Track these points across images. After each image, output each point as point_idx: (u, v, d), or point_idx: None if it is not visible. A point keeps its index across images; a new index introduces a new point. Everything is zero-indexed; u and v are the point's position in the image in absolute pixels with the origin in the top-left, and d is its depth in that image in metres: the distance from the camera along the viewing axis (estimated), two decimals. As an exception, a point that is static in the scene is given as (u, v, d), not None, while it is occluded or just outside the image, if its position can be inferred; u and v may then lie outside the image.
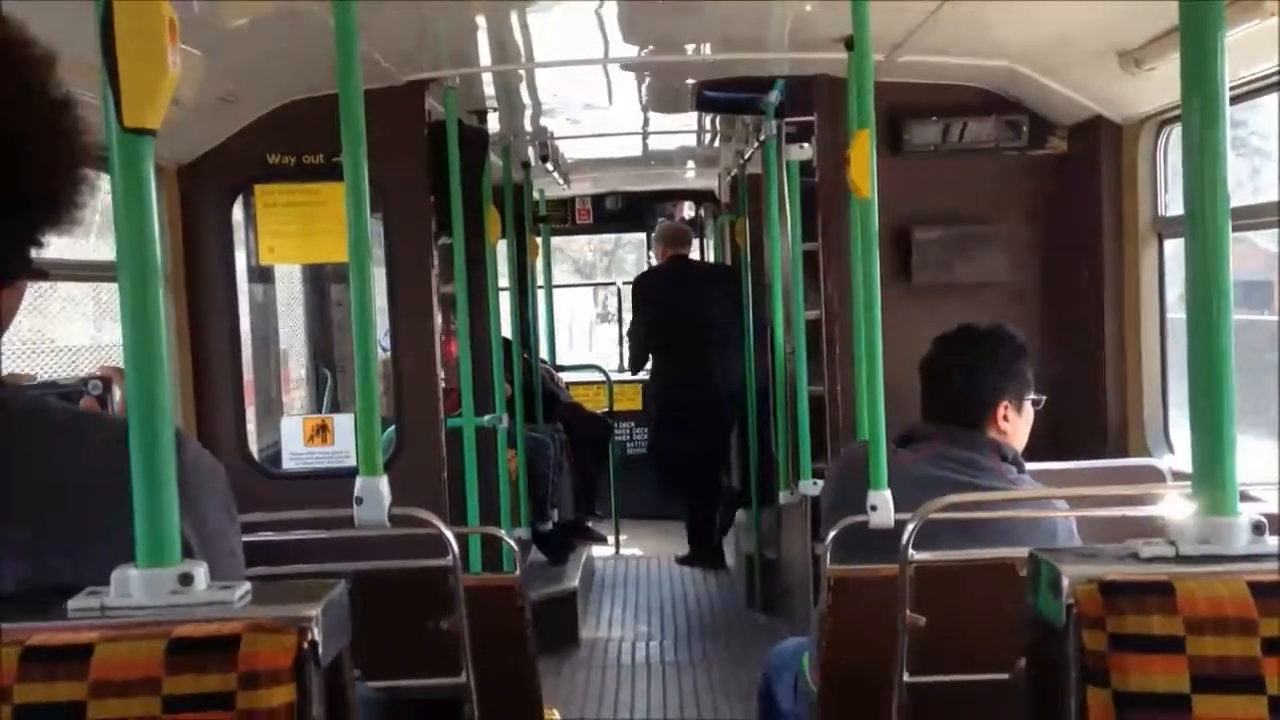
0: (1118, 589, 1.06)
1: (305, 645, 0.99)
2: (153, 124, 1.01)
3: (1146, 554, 1.12)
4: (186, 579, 1.04)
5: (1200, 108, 1.14)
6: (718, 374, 6.50)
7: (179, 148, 3.64)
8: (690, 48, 3.95)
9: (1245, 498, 1.17)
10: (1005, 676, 2.10)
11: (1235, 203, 1.24)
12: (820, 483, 3.86)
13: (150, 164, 1.03)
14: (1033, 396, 2.77)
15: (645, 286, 7.07)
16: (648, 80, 4.52)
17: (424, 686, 2.33)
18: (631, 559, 7.44)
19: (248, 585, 1.07)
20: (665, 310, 6.69)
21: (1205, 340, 1.13)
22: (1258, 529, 1.12)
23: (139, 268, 1.03)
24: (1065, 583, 1.08)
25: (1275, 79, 2.93)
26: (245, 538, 1.29)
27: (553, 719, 2.94)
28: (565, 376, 7.87)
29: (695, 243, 7.09)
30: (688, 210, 8.87)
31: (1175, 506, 2.43)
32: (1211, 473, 1.13)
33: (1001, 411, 2.69)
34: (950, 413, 2.69)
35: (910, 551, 2.18)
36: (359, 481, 2.10)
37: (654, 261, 7.48)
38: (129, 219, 1.03)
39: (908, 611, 2.18)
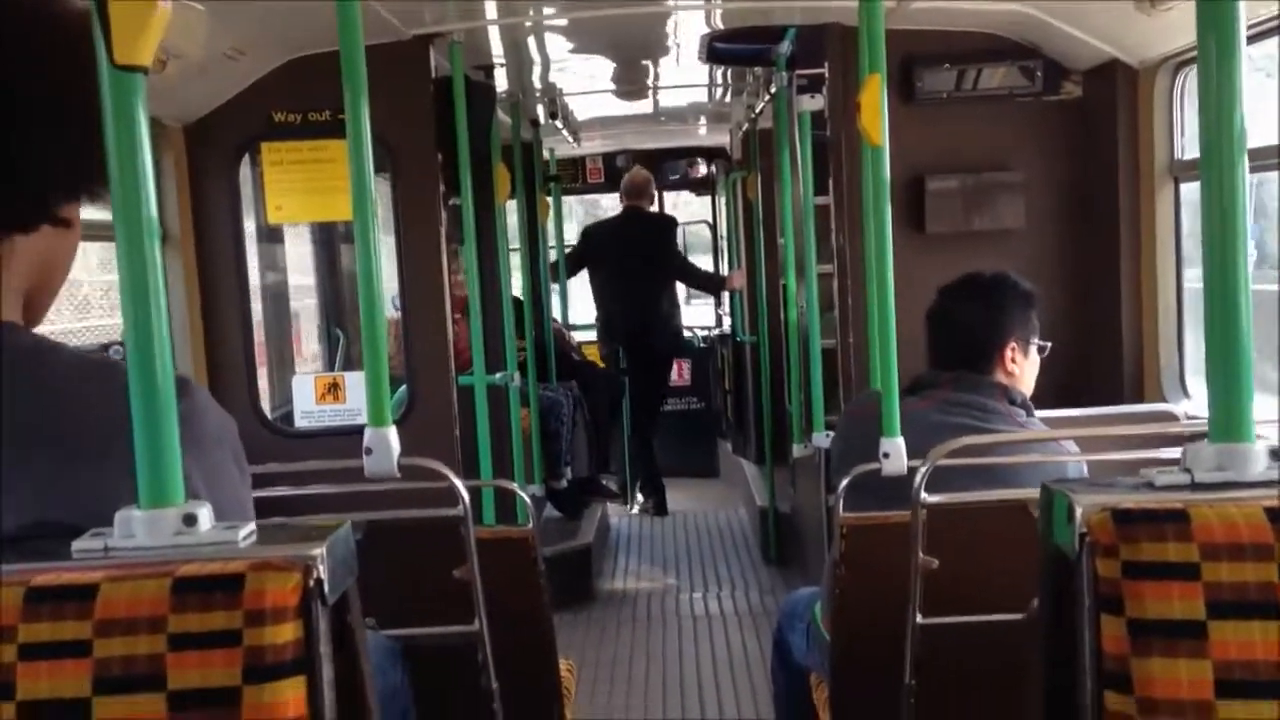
0: (1131, 516, 1.04)
1: (310, 583, 0.99)
2: (144, 60, 1.00)
3: (1161, 482, 1.11)
4: (190, 519, 1.03)
5: (1216, 46, 1.12)
6: (639, 318, 7.09)
7: (185, 107, 3.62)
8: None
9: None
10: (1019, 616, 2.10)
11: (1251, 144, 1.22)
12: (833, 435, 3.85)
13: (142, 103, 1.02)
14: (1038, 342, 2.76)
15: (591, 229, 7.63)
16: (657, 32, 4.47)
17: (438, 634, 2.34)
18: (645, 515, 7.46)
19: (252, 525, 1.06)
20: (600, 253, 7.23)
21: (1220, 270, 1.11)
22: (1275, 455, 1.11)
23: (134, 209, 1.02)
24: (1078, 512, 1.07)
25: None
26: (256, 492, 1.29)
27: (569, 669, 2.95)
28: (577, 336, 7.87)
29: (654, 195, 7.48)
30: (701, 168, 8.82)
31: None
32: (1227, 399, 1.11)
33: (1009, 354, 2.70)
34: (958, 358, 2.70)
35: (922, 494, 2.17)
36: (368, 432, 2.10)
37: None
38: (121, 160, 1.01)
39: (920, 554, 2.18)
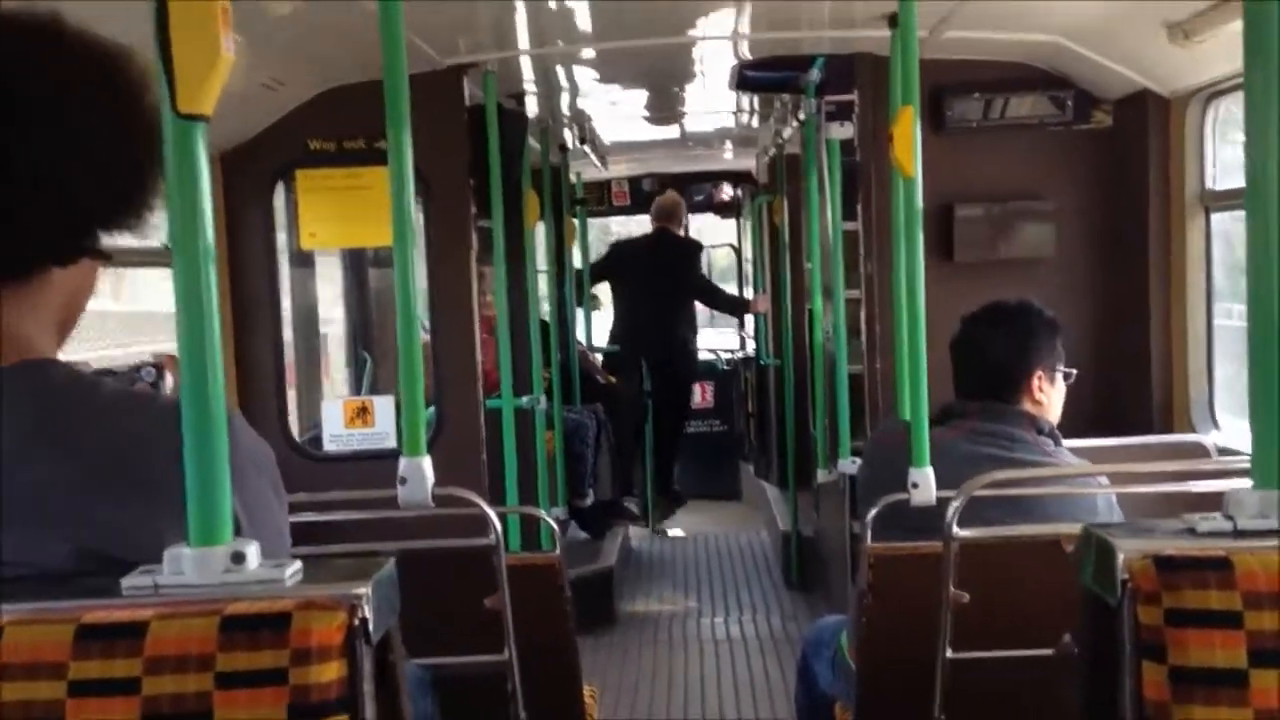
0: (1174, 564, 1.04)
1: (356, 622, 1.00)
2: (206, 109, 1.02)
3: (1203, 529, 1.11)
4: (239, 557, 1.05)
5: (1262, 77, 1.12)
6: (661, 338, 7.23)
7: (222, 134, 3.67)
8: (730, 27, 3.92)
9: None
10: (1049, 652, 2.09)
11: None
12: (859, 461, 3.85)
13: (202, 149, 1.04)
14: (1064, 369, 2.75)
15: (622, 244, 7.79)
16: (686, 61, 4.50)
17: (467, 664, 2.34)
18: (668, 538, 7.45)
19: (298, 564, 1.08)
20: (627, 269, 7.36)
21: (1265, 310, 1.11)
22: (1318, 503, 1.10)
23: (192, 251, 1.04)
24: (1120, 558, 1.06)
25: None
26: (290, 518, 1.30)
27: (592, 695, 2.95)
28: (600, 359, 7.89)
29: (683, 219, 7.64)
30: (726, 191, 8.83)
31: (1221, 484, 2.40)
32: (1272, 443, 1.11)
33: (1036, 383, 2.68)
34: (985, 387, 2.68)
35: (954, 528, 2.16)
36: (403, 462, 2.11)
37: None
38: (183, 203, 1.04)
39: (951, 587, 2.17)
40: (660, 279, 7.15)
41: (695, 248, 7.71)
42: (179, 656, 0.97)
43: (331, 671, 0.98)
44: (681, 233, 7.66)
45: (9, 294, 1.13)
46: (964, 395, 2.73)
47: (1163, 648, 1.03)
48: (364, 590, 1.02)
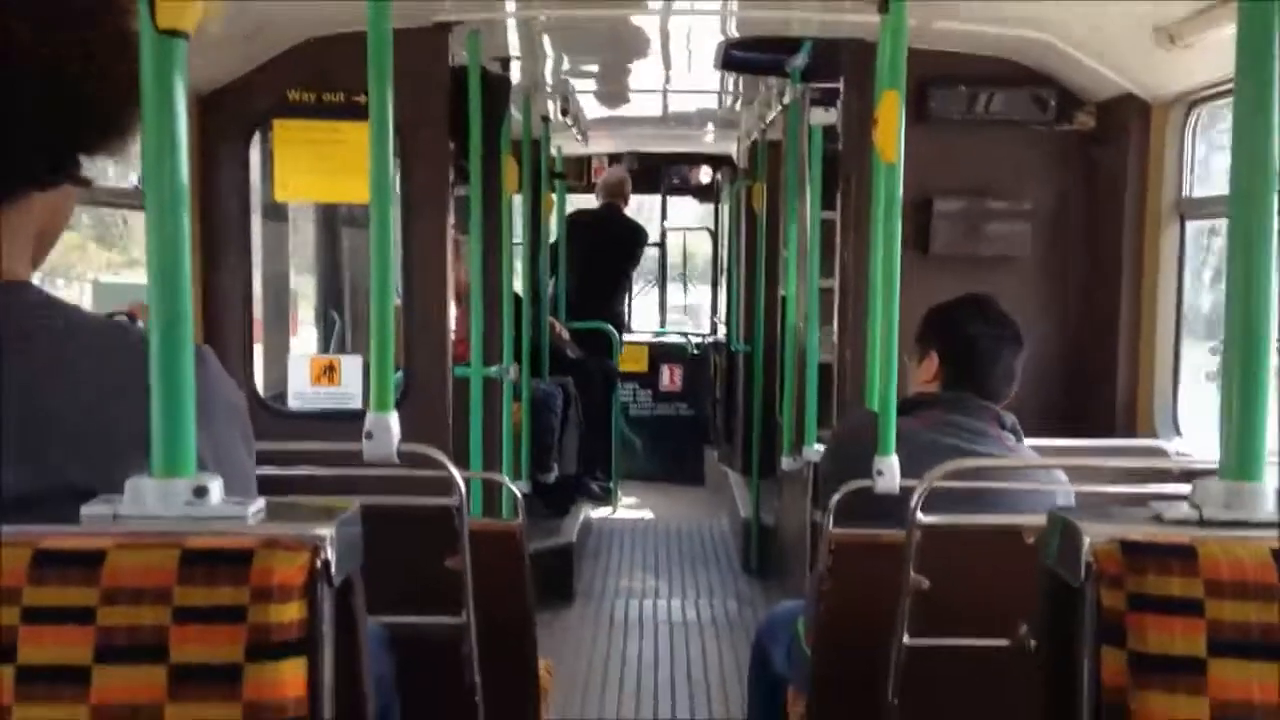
0: (1139, 549, 1.05)
1: (318, 564, 0.99)
2: (187, 25, 1.00)
3: (1170, 516, 1.11)
4: (201, 491, 1.03)
5: (1254, 82, 1.12)
6: (605, 314, 7.38)
7: (201, 78, 3.61)
8: (719, 1, 3.90)
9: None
10: (1005, 642, 2.10)
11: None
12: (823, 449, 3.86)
13: (182, 70, 1.02)
14: None
15: (574, 217, 7.70)
16: (672, 35, 4.47)
17: (425, 624, 2.33)
18: (628, 519, 7.45)
19: (262, 501, 1.06)
20: (576, 242, 7.37)
21: (1243, 307, 1.12)
22: (1285, 496, 1.11)
23: (166, 177, 1.02)
24: (1086, 540, 1.07)
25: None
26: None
27: (547, 668, 2.95)
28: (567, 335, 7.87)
29: (629, 195, 7.77)
30: (705, 174, 8.82)
31: (1181, 488, 2.43)
32: (1241, 437, 1.12)
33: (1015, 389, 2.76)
34: (986, 387, 2.71)
35: (919, 514, 2.17)
36: (369, 416, 2.10)
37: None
38: (158, 126, 1.01)
39: (912, 574, 2.18)
40: (605, 256, 7.46)
41: (643, 236, 7.93)
42: (136, 588, 0.96)
43: (292, 612, 0.97)
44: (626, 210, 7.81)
45: None
46: (952, 386, 2.75)
47: (1123, 632, 1.03)
48: (327, 532, 1.01)
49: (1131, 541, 1.06)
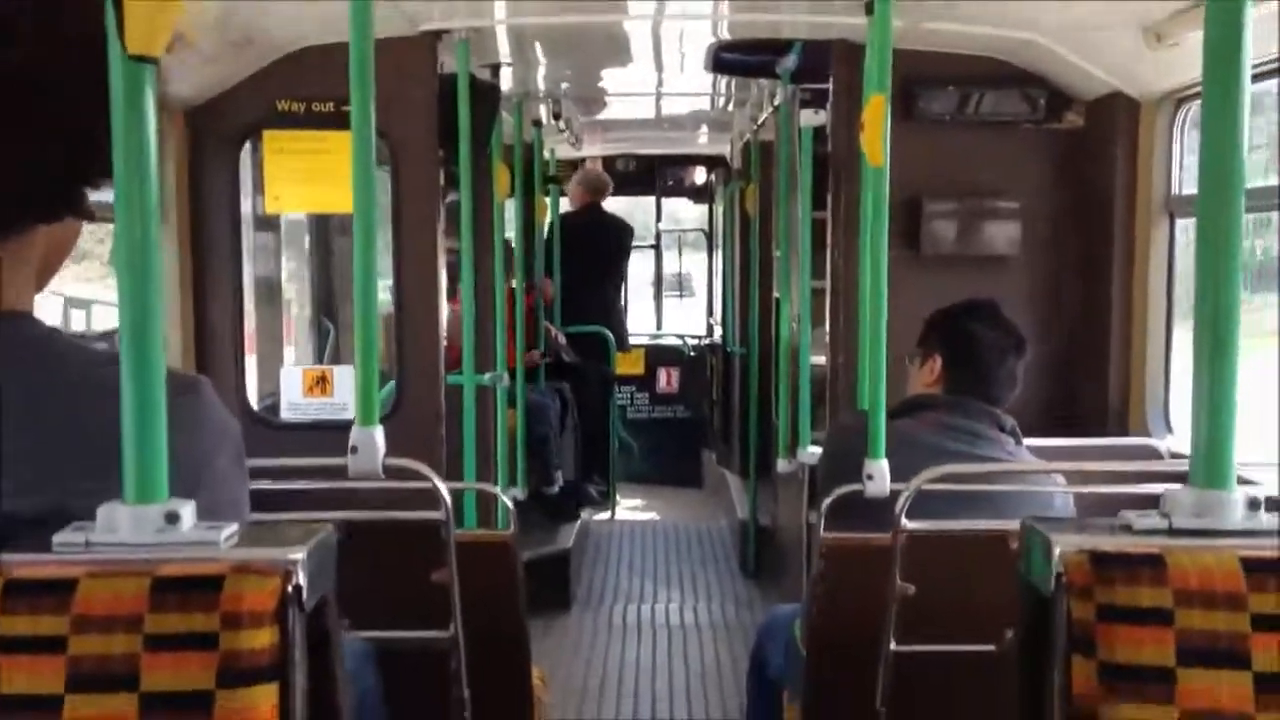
0: (1108, 559, 1.05)
1: (289, 589, 0.99)
2: (155, 51, 1.00)
3: (1139, 526, 1.12)
4: (173, 517, 1.03)
5: (1222, 83, 1.12)
6: (602, 316, 7.38)
7: (188, 90, 3.61)
8: (710, 5, 3.90)
9: (1243, 480, 1.16)
10: (992, 648, 2.11)
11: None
12: (818, 451, 3.86)
13: (152, 95, 1.02)
14: None
15: (565, 218, 7.65)
16: (663, 39, 4.48)
17: (411, 639, 2.33)
18: (626, 523, 7.46)
19: (235, 526, 1.06)
20: (577, 251, 7.34)
21: (1211, 313, 1.12)
22: (1253, 505, 1.11)
23: (136, 200, 1.03)
24: (1056, 551, 1.07)
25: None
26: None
27: (540, 677, 2.95)
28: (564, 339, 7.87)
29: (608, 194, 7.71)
30: (699, 176, 8.83)
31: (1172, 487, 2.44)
32: (1210, 445, 1.12)
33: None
34: (989, 392, 2.72)
35: (904, 520, 2.17)
36: (354, 431, 2.10)
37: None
38: (128, 150, 1.02)
39: (898, 580, 2.18)
40: (599, 256, 7.46)
41: (630, 233, 7.92)
42: (107, 617, 0.96)
43: (264, 638, 0.97)
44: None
45: None
46: (954, 390, 2.75)
47: (1093, 642, 1.04)
48: (299, 556, 1.01)
49: (1101, 552, 1.06)
